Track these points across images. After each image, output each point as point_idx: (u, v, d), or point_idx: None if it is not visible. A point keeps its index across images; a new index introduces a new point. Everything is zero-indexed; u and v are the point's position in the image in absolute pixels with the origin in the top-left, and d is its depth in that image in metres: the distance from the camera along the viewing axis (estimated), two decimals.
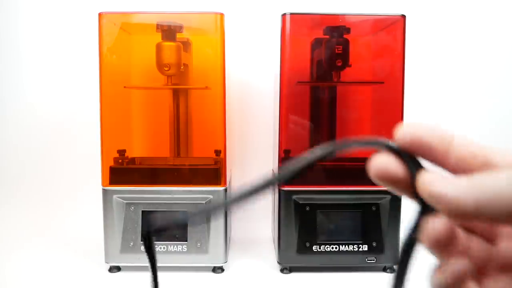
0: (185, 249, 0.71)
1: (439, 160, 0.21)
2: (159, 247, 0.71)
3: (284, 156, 0.74)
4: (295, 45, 0.74)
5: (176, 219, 0.23)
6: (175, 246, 0.71)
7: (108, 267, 0.73)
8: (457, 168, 0.21)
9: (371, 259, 0.72)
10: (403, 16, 0.71)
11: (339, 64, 0.73)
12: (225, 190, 0.72)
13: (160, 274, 0.76)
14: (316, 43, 0.78)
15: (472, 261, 0.22)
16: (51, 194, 0.98)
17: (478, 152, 0.20)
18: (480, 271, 0.22)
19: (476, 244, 0.22)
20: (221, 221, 0.72)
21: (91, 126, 0.95)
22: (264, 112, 0.95)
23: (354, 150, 0.22)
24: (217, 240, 0.72)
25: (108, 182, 0.72)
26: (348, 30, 0.74)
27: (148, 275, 0.26)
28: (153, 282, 0.26)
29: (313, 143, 0.79)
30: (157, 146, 0.86)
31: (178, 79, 0.79)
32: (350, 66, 0.75)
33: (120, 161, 0.75)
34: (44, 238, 0.89)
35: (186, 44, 0.79)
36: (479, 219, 0.18)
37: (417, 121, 0.21)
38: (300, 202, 0.71)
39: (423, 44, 0.96)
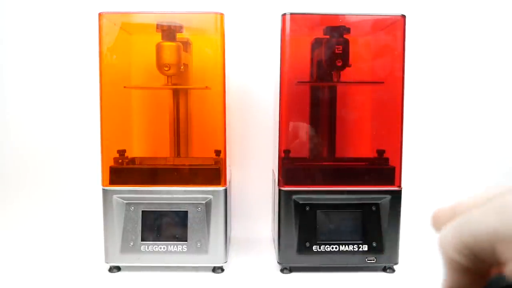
0: (185, 249, 0.71)
1: None
2: (159, 247, 0.71)
3: (284, 156, 0.74)
4: (295, 45, 0.74)
5: None
6: (175, 246, 0.71)
7: (108, 267, 0.73)
8: None
9: (371, 259, 0.72)
10: (403, 16, 0.71)
11: (339, 64, 0.73)
12: (225, 190, 0.72)
13: (160, 274, 0.76)
14: (316, 43, 0.78)
15: None
16: (51, 194, 0.99)
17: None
18: None
19: None
20: (221, 221, 0.72)
21: (91, 126, 0.95)
22: (264, 112, 0.95)
23: None
24: (217, 240, 0.72)
25: (108, 182, 0.72)
26: (348, 30, 0.74)
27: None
28: None
29: (313, 143, 0.79)
30: (157, 146, 0.86)
31: (178, 79, 0.79)
32: (350, 66, 0.75)
33: (120, 161, 0.75)
34: (44, 238, 0.89)
35: (186, 44, 0.79)
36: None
37: (438, 209, 0.26)
38: (300, 202, 0.71)
39: (423, 44, 0.96)
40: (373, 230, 0.71)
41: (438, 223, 0.27)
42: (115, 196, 0.71)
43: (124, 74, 0.81)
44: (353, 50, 0.75)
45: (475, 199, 0.24)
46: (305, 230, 0.71)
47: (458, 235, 0.22)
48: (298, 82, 0.77)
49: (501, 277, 0.22)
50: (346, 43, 0.74)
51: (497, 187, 0.24)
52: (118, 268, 0.73)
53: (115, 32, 0.74)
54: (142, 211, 0.71)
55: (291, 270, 0.74)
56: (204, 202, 0.71)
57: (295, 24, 0.72)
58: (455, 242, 0.22)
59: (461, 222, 0.22)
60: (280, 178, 0.73)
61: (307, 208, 0.71)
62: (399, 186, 0.72)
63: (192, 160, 0.80)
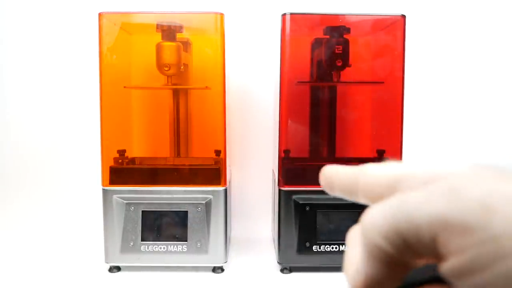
0: (185, 249, 0.71)
1: (353, 198, 0.24)
2: (159, 247, 0.71)
3: (284, 156, 0.74)
4: (295, 45, 0.74)
5: None
6: (175, 246, 0.71)
7: (108, 267, 0.73)
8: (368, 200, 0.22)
9: None
10: (403, 16, 0.71)
11: (339, 64, 0.73)
12: (225, 190, 0.73)
13: (160, 274, 0.76)
14: (316, 43, 0.78)
15: None
16: (51, 194, 0.98)
17: (383, 183, 0.21)
18: None
19: None
20: (221, 221, 0.72)
21: (91, 126, 0.95)
22: (264, 112, 0.95)
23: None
24: (217, 240, 0.72)
25: (108, 182, 0.72)
26: (348, 30, 0.74)
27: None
28: None
29: (313, 143, 0.79)
30: (157, 146, 0.86)
31: (178, 79, 0.79)
32: (350, 66, 0.75)
33: (120, 161, 0.75)
34: (44, 238, 0.89)
35: (186, 44, 0.79)
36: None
37: (334, 167, 0.25)
38: (300, 202, 0.71)
39: (423, 44, 0.96)
40: None
41: (331, 187, 0.24)
42: (115, 196, 0.71)
43: (124, 74, 0.81)
44: (353, 50, 0.75)
45: (391, 172, 0.21)
46: (305, 230, 0.71)
47: (391, 219, 0.18)
48: (298, 82, 0.77)
49: (426, 268, 0.19)
50: (346, 43, 0.74)
51: (419, 165, 0.20)
52: (118, 268, 0.73)
53: (115, 32, 0.74)
54: (142, 211, 0.71)
55: (291, 270, 0.74)
56: (204, 202, 0.71)
57: (295, 24, 0.72)
58: (386, 227, 0.18)
59: (395, 203, 0.18)
60: (280, 178, 0.73)
61: (307, 208, 0.71)
62: None
63: (192, 160, 0.80)
